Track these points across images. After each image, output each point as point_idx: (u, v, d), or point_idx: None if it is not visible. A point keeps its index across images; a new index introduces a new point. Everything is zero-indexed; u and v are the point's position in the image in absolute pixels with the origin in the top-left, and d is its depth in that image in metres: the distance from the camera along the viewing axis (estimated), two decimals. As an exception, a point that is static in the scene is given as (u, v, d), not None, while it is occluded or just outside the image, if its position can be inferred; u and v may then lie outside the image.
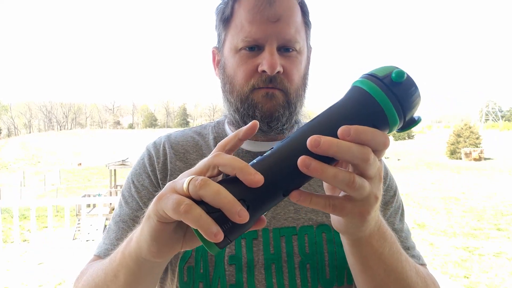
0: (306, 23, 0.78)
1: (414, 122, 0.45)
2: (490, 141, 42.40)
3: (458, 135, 35.03)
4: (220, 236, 0.39)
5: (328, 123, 0.42)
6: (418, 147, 43.50)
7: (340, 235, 0.56)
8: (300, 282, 0.73)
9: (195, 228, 0.40)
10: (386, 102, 0.42)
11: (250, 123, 0.46)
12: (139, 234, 0.51)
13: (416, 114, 0.45)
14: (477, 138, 34.67)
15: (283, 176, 0.41)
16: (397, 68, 0.43)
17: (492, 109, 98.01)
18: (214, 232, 0.39)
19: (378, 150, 0.42)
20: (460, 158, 32.41)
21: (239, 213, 0.38)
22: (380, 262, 0.56)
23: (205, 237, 0.39)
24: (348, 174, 0.41)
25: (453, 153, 33.87)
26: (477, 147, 33.58)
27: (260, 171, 0.41)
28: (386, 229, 0.55)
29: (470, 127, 36.33)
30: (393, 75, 0.42)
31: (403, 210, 0.84)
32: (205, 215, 0.39)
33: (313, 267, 0.73)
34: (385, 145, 0.42)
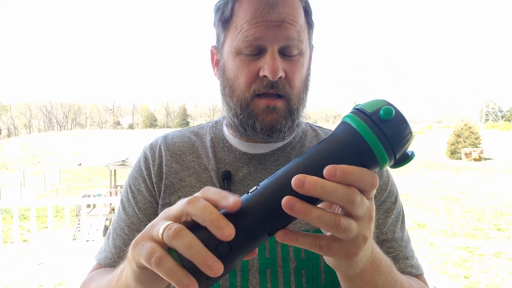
0: (309, 23, 0.76)
1: (407, 158, 0.43)
2: (490, 141, 42.37)
3: (458, 135, 35.03)
4: (193, 287, 0.39)
5: (315, 161, 0.41)
6: (418, 147, 43.48)
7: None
8: (295, 287, 0.72)
9: (167, 279, 0.40)
10: (374, 140, 0.40)
11: (232, 203, 0.40)
12: (126, 273, 0.51)
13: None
14: (477, 138, 34.67)
15: (267, 217, 0.40)
16: (387, 103, 0.42)
17: (492, 109, 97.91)
18: (185, 284, 0.38)
19: (366, 190, 0.41)
20: (460, 158, 32.41)
21: (211, 266, 0.38)
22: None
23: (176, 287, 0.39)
24: (333, 216, 0.40)
25: (453, 153, 33.87)
26: (477, 147, 33.59)
27: (244, 210, 0.40)
28: (380, 261, 0.54)
29: (470, 127, 36.32)
30: (381, 112, 0.40)
31: (403, 216, 0.82)
32: (176, 268, 0.39)
33: (308, 273, 0.72)
34: (373, 185, 0.40)
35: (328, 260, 0.48)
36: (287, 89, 0.71)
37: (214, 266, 0.38)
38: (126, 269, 0.50)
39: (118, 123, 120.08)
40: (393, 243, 0.77)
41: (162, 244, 0.41)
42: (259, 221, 0.40)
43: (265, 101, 0.71)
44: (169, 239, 0.39)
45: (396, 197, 0.82)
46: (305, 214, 0.39)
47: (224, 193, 0.42)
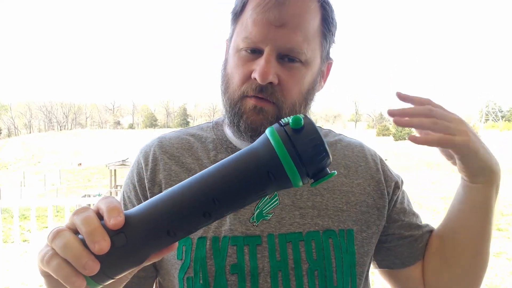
0: (323, 33, 0.71)
1: (325, 174, 0.42)
2: (490, 141, 42.32)
3: (458, 135, 34.91)
4: (78, 284, 0.39)
5: (228, 164, 0.42)
6: (418, 147, 43.20)
7: (471, 193, 0.73)
8: None
9: (56, 278, 0.41)
10: (280, 147, 0.40)
11: (112, 224, 0.41)
12: None
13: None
14: (477, 138, 34.54)
15: (171, 215, 0.41)
16: (303, 116, 0.42)
17: (492, 109, 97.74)
18: (71, 281, 0.39)
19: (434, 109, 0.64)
20: (460, 158, 32.30)
21: (85, 265, 0.39)
22: (493, 219, 0.73)
23: (65, 285, 0.40)
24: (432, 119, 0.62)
25: (453, 153, 33.77)
26: (477, 147, 33.44)
27: (153, 204, 0.42)
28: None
29: (470, 127, 36.20)
30: (291, 121, 0.41)
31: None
32: (63, 265, 0.40)
33: (321, 274, 0.70)
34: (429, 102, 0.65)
35: (464, 161, 0.67)
36: (279, 96, 0.68)
37: (87, 266, 0.39)
38: None
39: (118, 123, 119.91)
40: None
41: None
42: (161, 217, 0.41)
43: (254, 100, 0.69)
44: (50, 241, 0.41)
45: (397, 183, 0.86)
46: (425, 139, 0.62)
47: (112, 206, 0.41)
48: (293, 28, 0.65)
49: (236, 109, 0.70)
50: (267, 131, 0.43)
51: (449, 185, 18.71)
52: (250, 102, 0.69)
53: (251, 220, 0.72)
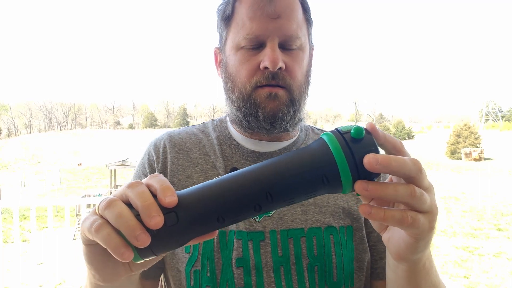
0: (308, 20, 0.78)
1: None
2: (490, 141, 42.33)
3: (458, 135, 35.07)
4: (127, 256, 0.40)
5: (283, 163, 0.43)
6: (418, 147, 43.48)
7: (394, 267, 0.57)
8: (309, 284, 0.71)
9: (105, 247, 0.41)
10: (339, 153, 0.41)
11: (167, 202, 0.41)
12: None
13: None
14: (476, 138, 34.70)
15: (224, 203, 0.42)
16: (361, 126, 0.43)
17: (492, 109, 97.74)
18: (121, 252, 0.40)
19: (413, 176, 0.42)
20: (460, 158, 32.44)
21: (138, 237, 0.39)
22: (428, 281, 0.57)
23: (113, 255, 0.41)
24: (400, 212, 0.42)
25: (453, 153, 33.90)
26: (477, 147, 33.62)
27: (206, 189, 0.42)
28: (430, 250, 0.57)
29: (469, 127, 36.37)
30: (352, 130, 0.42)
31: None
32: (114, 235, 0.40)
33: (321, 270, 0.72)
34: (417, 169, 0.42)
35: (406, 246, 0.47)
36: (288, 80, 0.73)
37: (140, 238, 0.39)
38: None
39: (118, 123, 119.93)
40: None
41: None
42: (214, 203, 0.42)
43: (267, 89, 0.72)
44: (102, 210, 0.42)
45: None
46: (382, 217, 0.41)
47: (166, 186, 0.42)
48: (288, 18, 0.72)
49: (251, 100, 0.73)
50: (325, 137, 0.43)
51: (449, 185, 18.72)
52: (264, 91, 0.72)
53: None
